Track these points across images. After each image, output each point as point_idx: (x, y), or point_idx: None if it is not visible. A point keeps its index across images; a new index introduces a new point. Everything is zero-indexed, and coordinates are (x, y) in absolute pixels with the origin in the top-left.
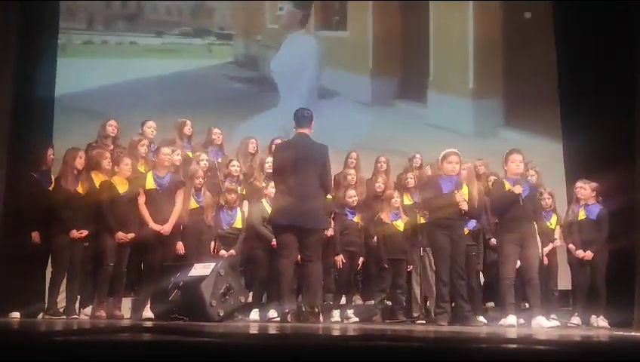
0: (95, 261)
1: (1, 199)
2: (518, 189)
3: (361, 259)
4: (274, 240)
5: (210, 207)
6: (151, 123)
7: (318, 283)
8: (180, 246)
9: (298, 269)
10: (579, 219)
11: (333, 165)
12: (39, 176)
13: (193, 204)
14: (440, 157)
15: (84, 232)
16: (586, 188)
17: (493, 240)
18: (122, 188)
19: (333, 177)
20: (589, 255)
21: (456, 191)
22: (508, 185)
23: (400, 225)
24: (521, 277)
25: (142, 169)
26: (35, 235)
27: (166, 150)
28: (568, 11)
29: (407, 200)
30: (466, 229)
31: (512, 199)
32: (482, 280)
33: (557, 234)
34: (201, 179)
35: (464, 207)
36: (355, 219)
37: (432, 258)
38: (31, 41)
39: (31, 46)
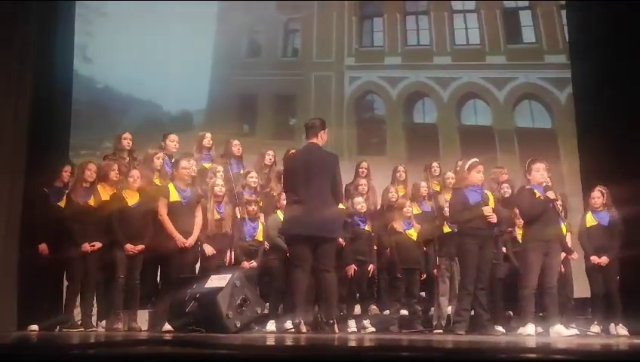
0: (107, 273)
1: (19, 213)
2: (552, 194)
3: (370, 267)
4: None
5: (229, 217)
6: (173, 136)
7: (334, 294)
8: (209, 249)
9: (315, 280)
10: (588, 225)
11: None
12: (50, 191)
13: (215, 215)
14: (466, 167)
15: (97, 244)
16: (592, 194)
17: (503, 249)
18: (132, 200)
19: (344, 186)
20: (604, 261)
21: (486, 203)
22: (538, 193)
23: (413, 234)
24: (541, 286)
25: (158, 182)
26: (43, 248)
27: (185, 163)
28: (583, 17)
29: (416, 210)
30: None
31: (545, 206)
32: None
33: (568, 240)
34: (221, 188)
35: (494, 220)
36: (366, 227)
37: (450, 266)
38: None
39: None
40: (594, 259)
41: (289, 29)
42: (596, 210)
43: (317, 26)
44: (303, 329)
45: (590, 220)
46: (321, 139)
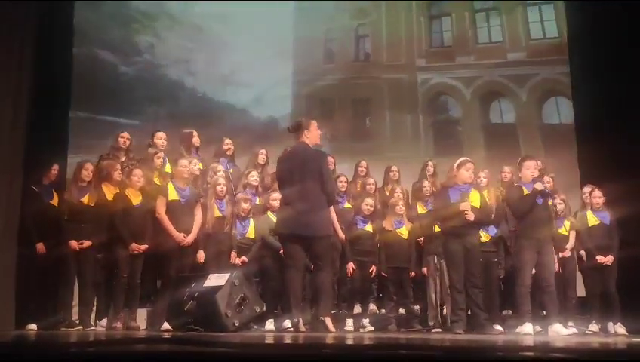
0: (109, 272)
1: (17, 212)
2: (539, 186)
3: (373, 268)
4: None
5: (230, 216)
6: (161, 134)
7: (328, 292)
8: (201, 256)
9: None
10: (590, 224)
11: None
12: (40, 189)
13: (216, 213)
14: (455, 165)
15: (85, 243)
16: (594, 193)
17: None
18: (136, 199)
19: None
20: (609, 259)
21: (465, 200)
22: (525, 191)
23: (404, 232)
24: (538, 285)
25: (157, 181)
26: (40, 247)
27: (184, 162)
28: (582, 15)
29: (422, 209)
30: (487, 236)
31: (532, 202)
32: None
33: (571, 239)
34: (222, 186)
35: (470, 217)
36: (367, 227)
37: (439, 265)
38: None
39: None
40: (600, 258)
41: (359, 35)
42: (597, 209)
43: (386, 30)
44: (302, 328)
45: (592, 219)
46: (306, 137)
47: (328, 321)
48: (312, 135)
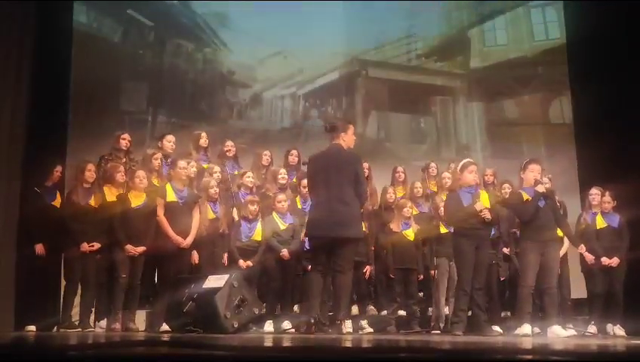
0: (109, 273)
1: (16, 213)
2: (541, 188)
3: (368, 268)
4: (283, 251)
5: (225, 217)
6: (170, 137)
7: (346, 295)
8: (195, 256)
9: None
10: (598, 227)
11: None
12: (43, 191)
13: (210, 215)
14: (459, 168)
15: (96, 245)
16: (602, 196)
17: (505, 250)
18: (137, 201)
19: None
20: (615, 261)
21: (477, 201)
22: (526, 196)
23: (410, 234)
24: (539, 286)
25: (156, 182)
26: (40, 248)
27: (182, 163)
28: (581, 16)
29: (414, 211)
30: None
31: (535, 207)
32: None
33: (565, 241)
34: (215, 189)
35: (488, 215)
36: None
37: (449, 267)
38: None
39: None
40: (604, 260)
41: (411, 35)
42: (606, 212)
43: (437, 29)
44: (301, 329)
45: (600, 222)
46: (342, 140)
47: (345, 324)
48: (349, 138)
